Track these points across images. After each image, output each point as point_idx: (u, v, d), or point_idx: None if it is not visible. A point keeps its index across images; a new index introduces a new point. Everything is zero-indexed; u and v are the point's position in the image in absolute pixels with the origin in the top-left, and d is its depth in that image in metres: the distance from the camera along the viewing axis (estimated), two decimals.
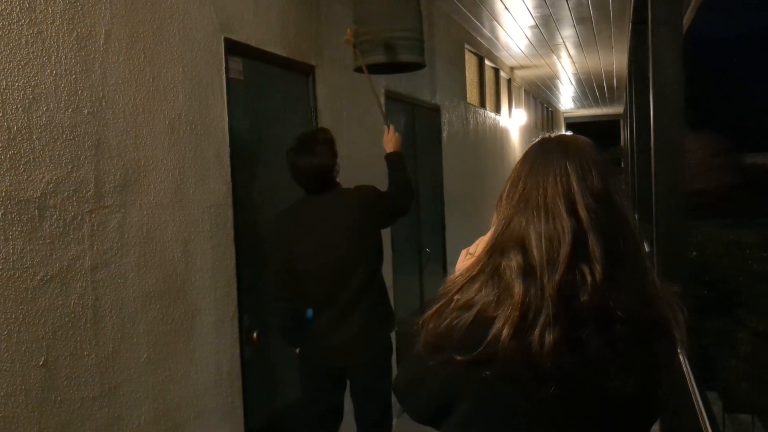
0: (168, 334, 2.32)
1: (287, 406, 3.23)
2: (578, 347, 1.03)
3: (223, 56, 2.70)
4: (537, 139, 1.24)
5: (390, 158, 3.04)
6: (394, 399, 2.84)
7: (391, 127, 3.11)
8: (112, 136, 2.09)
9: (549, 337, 1.01)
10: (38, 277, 1.82)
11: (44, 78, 1.86)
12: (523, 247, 1.08)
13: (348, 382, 2.94)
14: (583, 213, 1.08)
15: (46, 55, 1.87)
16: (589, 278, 1.04)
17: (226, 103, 2.70)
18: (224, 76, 2.70)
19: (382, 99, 4.44)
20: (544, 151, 1.18)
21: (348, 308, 2.77)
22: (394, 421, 3.03)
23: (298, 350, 2.93)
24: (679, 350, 1.16)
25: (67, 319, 1.91)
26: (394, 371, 3.00)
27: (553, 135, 1.23)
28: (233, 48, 2.79)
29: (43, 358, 1.83)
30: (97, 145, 2.03)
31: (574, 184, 1.11)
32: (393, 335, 3.00)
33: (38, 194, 1.83)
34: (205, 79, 2.58)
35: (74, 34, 1.97)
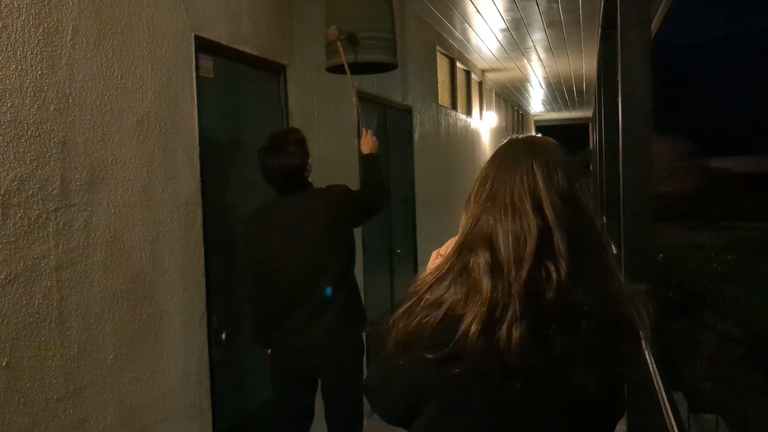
0: (135, 334, 2.29)
1: (257, 407, 3.21)
2: (544, 344, 1.05)
3: (194, 54, 2.68)
4: (505, 140, 1.26)
5: (365, 159, 3.06)
6: (364, 399, 2.84)
7: (369, 130, 3.12)
8: (78, 133, 2.06)
9: (516, 334, 1.02)
10: (1, 277, 1.79)
11: (9, 73, 1.82)
12: (491, 245, 1.09)
13: (319, 382, 2.93)
14: (548, 211, 1.10)
15: (11, 50, 1.83)
16: (554, 275, 1.05)
17: (196, 102, 2.67)
18: (194, 74, 2.68)
19: (354, 100, 4.43)
20: (511, 151, 1.20)
21: (319, 308, 2.76)
22: (365, 421, 3.03)
23: (269, 351, 2.92)
24: (644, 348, 1.18)
25: (31, 320, 1.87)
26: (365, 371, 3.00)
27: (520, 136, 1.25)
28: (204, 46, 2.77)
29: (6, 359, 1.79)
30: (63, 143, 2.00)
31: (540, 183, 1.12)
32: (364, 335, 3.00)
33: (2, 192, 1.79)
34: (174, 77, 2.55)
35: (41, 29, 1.93)
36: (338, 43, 3.03)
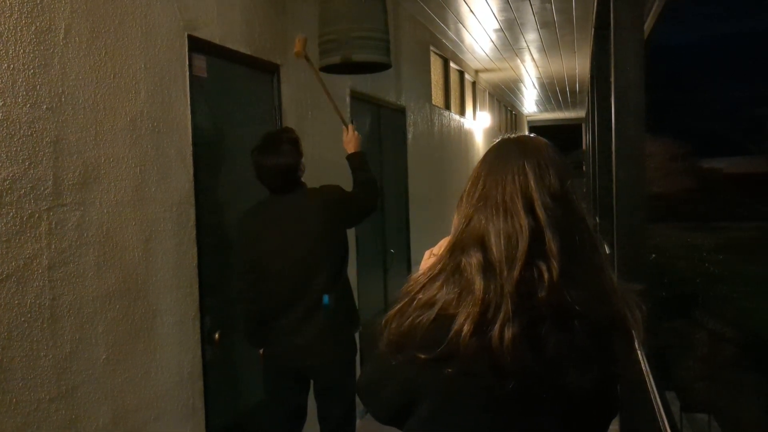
0: (128, 334, 2.29)
1: (250, 407, 3.20)
2: (537, 343, 1.05)
3: (187, 53, 2.67)
4: (497, 140, 1.26)
5: (352, 159, 3.04)
6: (357, 399, 2.84)
7: (350, 126, 3.10)
8: (71, 132, 2.05)
9: (508, 334, 1.02)
10: None
11: (1, 72, 1.82)
12: (483, 245, 1.09)
13: (312, 381, 2.93)
14: (540, 211, 1.10)
15: (3, 49, 1.83)
16: (546, 275, 1.05)
17: (189, 101, 2.67)
18: (188, 73, 2.67)
19: (347, 99, 4.43)
20: (503, 150, 1.20)
21: (312, 308, 2.76)
22: (358, 421, 3.02)
23: (261, 351, 2.91)
24: (637, 348, 1.18)
25: (23, 319, 1.86)
26: (359, 371, 2.99)
27: (512, 135, 1.25)
28: (197, 45, 2.76)
29: None
30: (56, 142, 1.99)
31: (532, 182, 1.12)
32: (357, 335, 3.00)
33: None
34: (167, 76, 2.55)
35: (33, 28, 1.93)
36: (306, 58, 3.04)
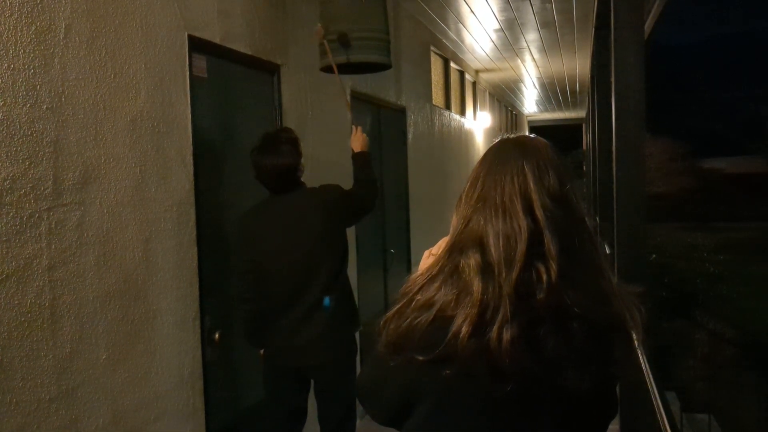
0: (128, 334, 2.29)
1: (250, 407, 3.20)
2: (535, 345, 1.04)
3: (187, 53, 2.67)
4: (496, 140, 1.25)
5: (356, 158, 3.05)
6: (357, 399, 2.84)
7: (359, 127, 3.12)
8: (71, 132, 2.05)
9: (507, 335, 1.02)
10: None
11: (1, 72, 1.82)
12: (482, 246, 1.09)
13: (312, 381, 2.93)
14: (539, 212, 1.09)
15: (3, 49, 1.83)
16: (544, 276, 1.05)
17: (189, 101, 2.67)
18: (188, 73, 2.67)
19: (348, 99, 4.43)
20: (502, 151, 1.20)
21: (312, 308, 2.76)
22: (358, 421, 3.02)
23: (261, 351, 2.92)
24: (637, 348, 1.18)
25: (23, 319, 1.86)
26: (359, 371, 2.99)
27: (512, 136, 1.25)
28: (197, 45, 2.76)
29: None
30: (56, 142, 1.99)
31: (531, 183, 1.12)
32: (357, 335, 3.00)
33: None
34: (168, 76, 2.55)
35: (33, 28, 1.93)
36: (325, 42, 3.04)
